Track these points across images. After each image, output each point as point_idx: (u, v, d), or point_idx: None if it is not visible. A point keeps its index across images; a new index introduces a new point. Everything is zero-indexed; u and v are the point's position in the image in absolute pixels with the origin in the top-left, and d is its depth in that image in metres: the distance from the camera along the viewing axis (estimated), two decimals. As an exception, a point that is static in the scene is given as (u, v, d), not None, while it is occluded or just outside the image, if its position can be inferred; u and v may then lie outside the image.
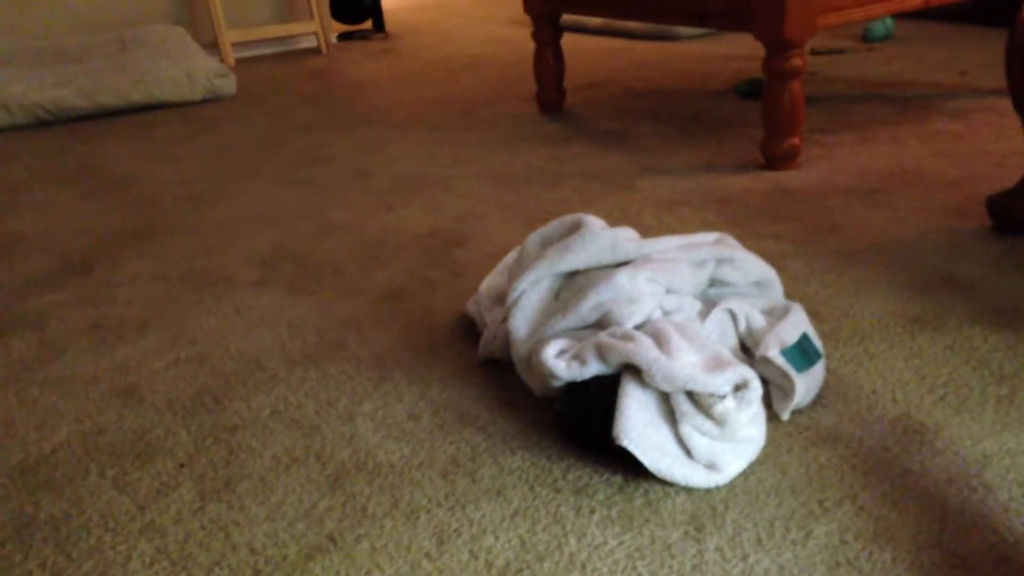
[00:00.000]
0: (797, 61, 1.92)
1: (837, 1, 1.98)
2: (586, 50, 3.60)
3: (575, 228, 1.22)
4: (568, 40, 3.74)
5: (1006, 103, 1.57)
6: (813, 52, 3.13)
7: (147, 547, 0.94)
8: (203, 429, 1.15)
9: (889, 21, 3.24)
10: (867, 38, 3.24)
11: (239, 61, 3.88)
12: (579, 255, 1.18)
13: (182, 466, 1.08)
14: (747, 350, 1.17)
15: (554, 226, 1.25)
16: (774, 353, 1.10)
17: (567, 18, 3.70)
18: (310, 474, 1.04)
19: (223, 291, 1.58)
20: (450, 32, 4.39)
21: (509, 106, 2.81)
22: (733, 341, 1.18)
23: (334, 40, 4.20)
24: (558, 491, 0.98)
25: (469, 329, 1.36)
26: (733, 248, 1.24)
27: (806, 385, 1.09)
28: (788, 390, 1.09)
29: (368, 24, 4.45)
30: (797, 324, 1.16)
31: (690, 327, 1.11)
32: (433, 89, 3.15)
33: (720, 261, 1.22)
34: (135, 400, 1.24)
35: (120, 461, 1.10)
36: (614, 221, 1.75)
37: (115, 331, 1.45)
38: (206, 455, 1.10)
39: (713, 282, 1.23)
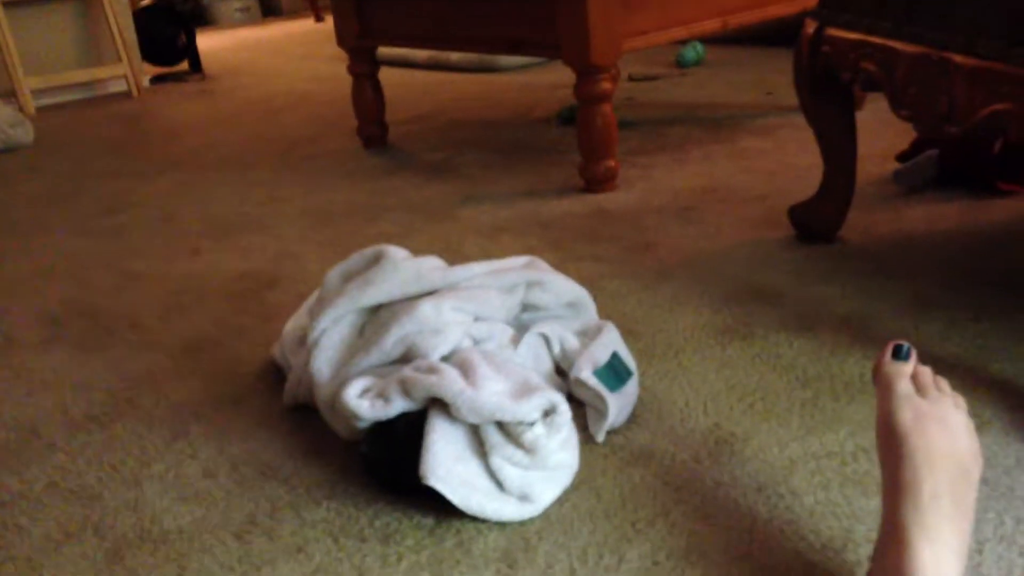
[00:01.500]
0: (606, 85, 1.95)
1: (640, 25, 2.02)
2: (411, 84, 3.57)
3: (376, 260, 1.16)
4: (393, 74, 3.70)
5: (804, 119, 1.63)
6: (631, 79, 3.22)
7: None
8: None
9: (699, 47, 3.37)
10: (680, 64, 3.36)
11: (40, 109, 3.63)
12: (381, 288, 1.12)
13: None
14: (562, 373, 1.15)
15: (355, 259, 1.18)
16: (587, 374, 1.08)
17: (393, 52, 3.67)
18: (85, 550, 0.93)
19: (0, 353, 1.43)
20: (270, 71, 4.27)
21: (331, 143, 2.74)
22: (548, 365, 1.15)
23: (147, 83, 4.01)
24: (364, 540, 0.91)
25: (276, 375, 1.27)
26: (543, 271, 1.22)
27: (619, 404, 1.07)
28: (603, 410, 1.06)
29: (184, 65, 4.28)
30: (608, 343, 1.14)
31: (499, 355, 1.07)
32: (252, 129, 3.03)
33: (530, 284, 1.19)
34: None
35: None
36: (435, 251, 1.71)
37: None
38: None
39: (525, 307, 1.20)
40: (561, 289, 1.21)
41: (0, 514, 1.00)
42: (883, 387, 0.78)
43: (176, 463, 1.08)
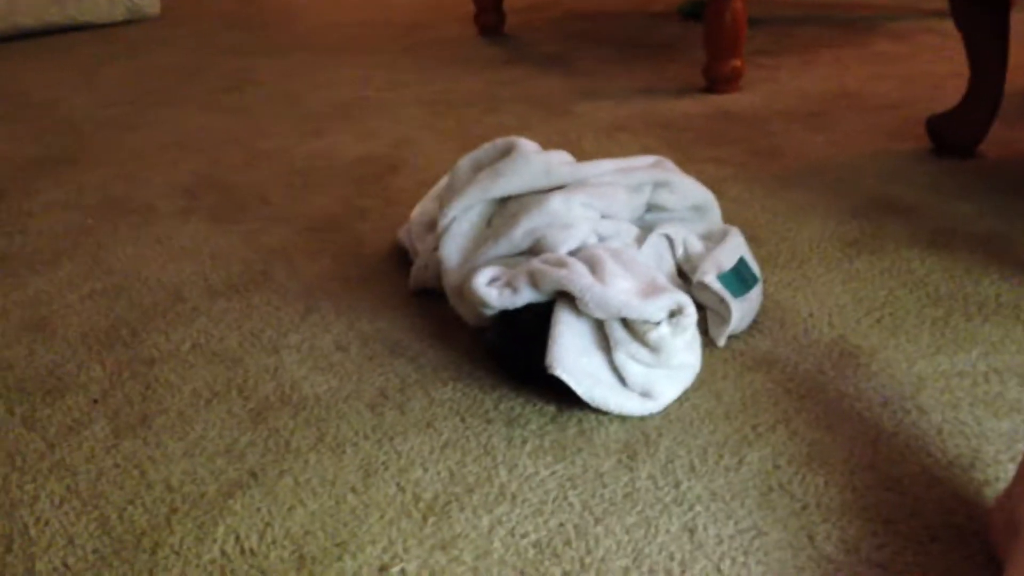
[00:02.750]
0: (740, -21, 1.87)
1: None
2: (528, -29, 3.49)
3: (507, 152, 1.17)
4: (509, -39, 3.62)
5: (948, 24, 1.54)
6: (758, -26, 3.07)
7: (56, 486, 0.89)
8: (119, 363, 1.10)
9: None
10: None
11: (164, -19, 3.69)
12: (511, 180, 1.13)
13: (95, 402, 1.03)
14: (684, 276, 1.15)
15: (486, 150, 1.19)
16: (711, 278, 1.08)
17: (508, -63, 3.57)
18: (231, 408, 1.00)
19: (143, 221, 1.51)
20: (388, -48, 4.22)
21: (447, 29, 2.72)
22: (670, 267, 1.15)
23: (265, -41, 4.01)
24: (489, 422, 0.95)
25: (401, 258, 1.31)
26: (670, 172, 1.21)
27: (742, 310, 1.07)
28: (725, 315, 1.07)
29: (301, -57, 4.25)
30: (734, 248, 1.13)
31: (625, 253, 1.07)
32: (369, 12, 3.03)
33: (657, 185, 1.18)
34: (47, 334, 1.17)
35: (30, 397, 1.04)
36: (553, 146, 1.70)
37: (26, 262, 1.38)
38: (121, 390, 1.04)
39: (650, 207, 1.20)
40: (688, 191, 1.20)
41: (152, 370, 1.08)
42: None
43: (311, 335, 1.13)
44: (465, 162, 1.19)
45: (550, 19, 2.76)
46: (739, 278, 1.09)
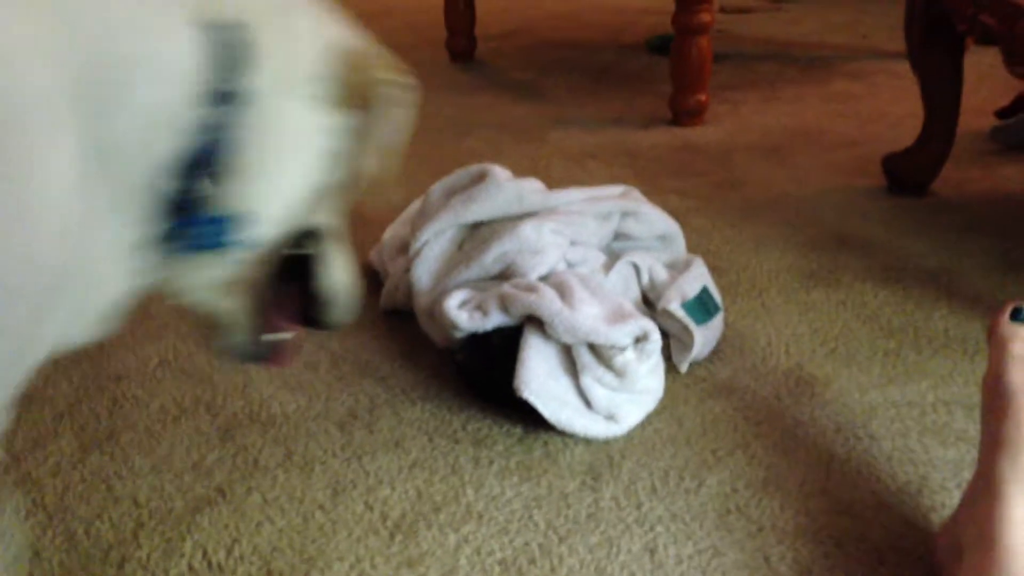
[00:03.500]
0: (706, 16, 1.93)
1: (747, -42, 1.98)
2: (499, -1, 3.54)
3: (480, 178, 1.20)
4: (481, -12, 3.67)
5: (905, 66, 1.60)
6: (722, 10, 3.15)
7: (22, 500, 0.90)
8: (85, 378, 1.10)
9: (797, -18, 3.28)
10: (775, -2, 3.28)
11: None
12: (484, 206, 1.16)
13: (62, 416, 1.03)
14: (649, 303, 1.18)
15: (459, 176, 1.22)
16: (675, 306, 1.11)
17: (480, -35, 3.63)
18: (199, 425, 1.01)
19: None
20: (360, -25, 4.26)
21: (419, 53, 2.75)
22: (636, 294, 1.18)
23: None
24: (457, 442, 0.97)
25: (372, 279, 1.32)
26: (638, 202, 1.24)
27: (704, 337, 1.10)
28: (687, 342, 1.10)
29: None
30: (698, 278, 1.17)
31: (593, 279, 1.10)
32: (341, 33, 3.05)
33: (625, 214, 1.22)
34: (13, 348, 1.17)
35: (-5, 412, 1.04)
36: (523, 172, 1.73)
37: (-8, 275, 1.37)
38: (88, 405, 1.05)
39: (618, 235, 1.23)
40: (654, 221, 1.24)
41: (119, 386, 1.08)
42: (997, 346, 0.79)
43: (280, 354, 1.14)
44: (438, 187, 1.22)
45: (521, 47, 2.81)
46: (702, 306, 1.13)
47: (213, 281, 0.66)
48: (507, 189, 1.16)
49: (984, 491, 0.72)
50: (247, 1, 0.61)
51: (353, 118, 0.67)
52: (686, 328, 1.10)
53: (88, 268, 0.56)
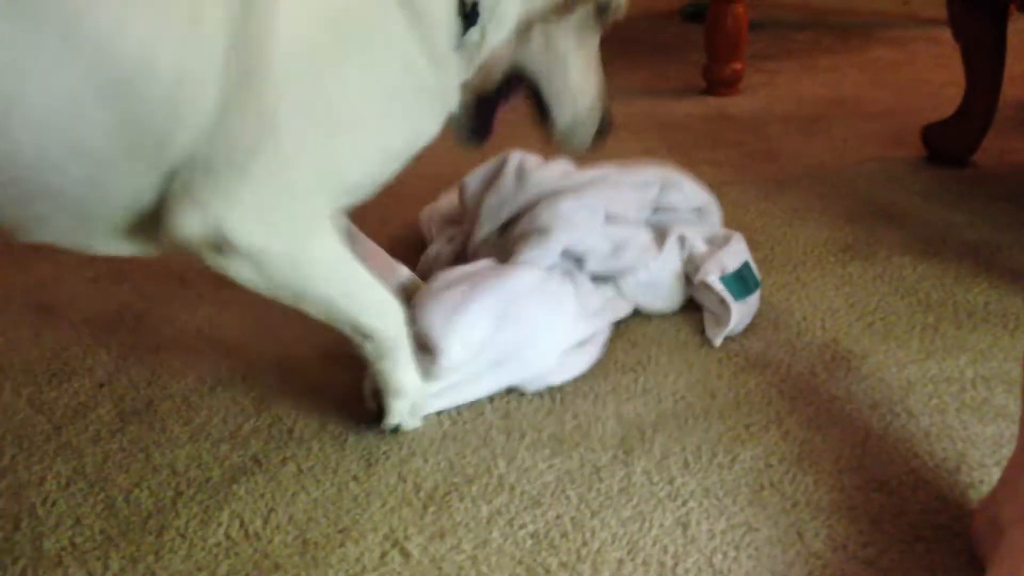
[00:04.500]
0: (742, -16, 1.89)
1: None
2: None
3: (515, 171, 1.20)
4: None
5: (946, 33, 1.56)
6: (759, -24, 3.10)
7: (63, 467, 0.91)
8: (124, 348, 1.11)
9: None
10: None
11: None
12: (517, 200, 1.16)
13: (101, 386, 1.04)
14: (686, 275, 1.17)
15: (489, 167, 1.23)
16: (713, 279, 1.10)
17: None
18: (235, 396, 1.02)
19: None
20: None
21: (449, 22, 2.73)
22: (677, 267, 1.17)
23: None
24: (488, 415, 0.97)
25: (417, 241, 1.32)
26: (677, 173, 1.23)
27: (740, 313, 1.09)
28: (723, 317, 1.09)
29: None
30: (738, 252, 1.15)
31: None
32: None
33: (665, 185, 1.21)
34: (52, 318, 1.19)
35: (36, 379, 1.06)
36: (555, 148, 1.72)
37: (30, 246, 1.38)
38: (127, 375, 1.06)
39: (657, 208, 1.22)
40: (693, 193, 1.22)
41: (158, 356, 1.10)
42: None
43: (315, 323, 1.15)
44: (472, 181, 1.23)
45: (552, 16, 2.78)
46: (742, 281, 1.11)
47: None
48: (536, 179, 1.17)
49: (1025, 468, 0.71)
50: None
51: None
52: (723, 302, 1.09)
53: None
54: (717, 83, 2.00)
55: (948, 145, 1.57)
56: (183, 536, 0.82)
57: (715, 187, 1.30)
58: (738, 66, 1.98)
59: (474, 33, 0.88)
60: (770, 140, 1.73)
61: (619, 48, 2.42)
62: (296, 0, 0.77)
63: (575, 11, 0.96)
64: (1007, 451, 0.86)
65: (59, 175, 0.74)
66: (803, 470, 0.87)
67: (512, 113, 1.04)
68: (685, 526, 0.81)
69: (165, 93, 0.72)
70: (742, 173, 1.58)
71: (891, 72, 2.11)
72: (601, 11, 0.99)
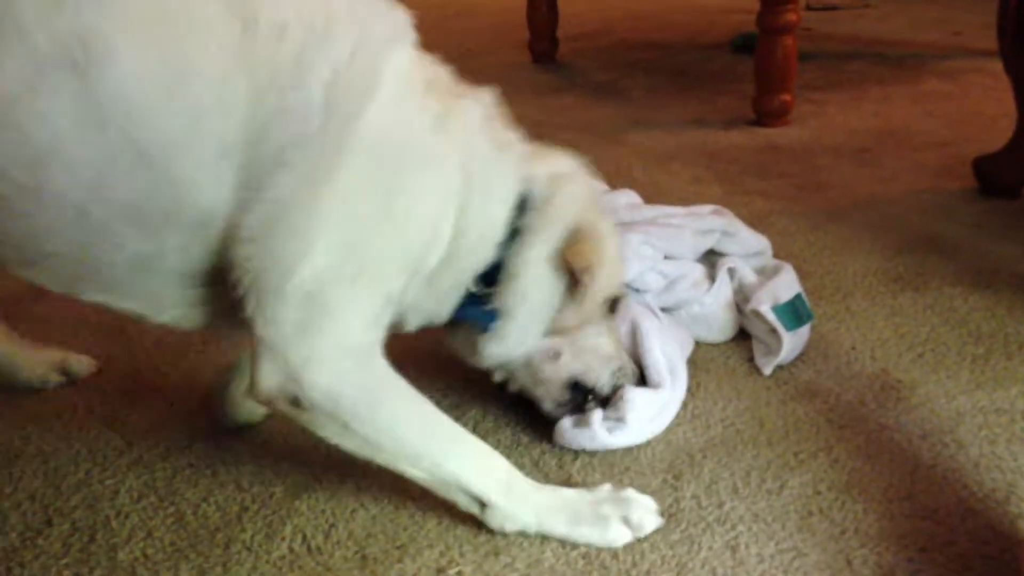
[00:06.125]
0: (791, 16, 1.91)
1: (835, -43, 1.96)
2: (580, -1, 3.56)
3: None
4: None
5: (998, 65, 1.57)
6: (808, 8, 3.11)
7: (135, 482, 0.96)
8: (192, 370, 1.16)
9: (886, -22, 3.22)
10: (863, -5, 3.22)
11: None
12: None
13: (171, 404, 1.09)
14: (737, 305, 1.18)
15: None
16: (765, 308, 1.11)
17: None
18: (297, 416, 1.06)
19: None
20: (443, -23, 4.33)
21: (501, 55, 2.79)
22: (729, 297, 1.19)
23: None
24: (541, 438, 1.00)
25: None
26: (735, 221, 1.25)
27: (792, 344, 1.10)
28: (773, 346, 1.10)
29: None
30: (791, 284, 1.16)
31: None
32: (424, 35, 3.10)
33: (725, 233, 1.22)
34: (124, 339, 1.24)
35: (109, 399, 1.11)
36: (605, 175, 1.75)
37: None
38: (195, 395, 1.11)
39: (712, 252, 1.23)
40: (749, 241, 1.24)
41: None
42: None
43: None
44: None
45: (602, 48, 2.82)
46: (794, 312, 1.12)
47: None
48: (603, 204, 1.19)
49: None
50: (549, 171, 0.95)
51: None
52: (774, 331, 1.10)
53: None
54: (766, 114, 2.02)
55: (1000, 177, 1.57)
56: (249, 549, 0.86)
57: (764, 217, 1.32)
58: (787, 97, 2.00)
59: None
60: (819, 171, 1.74)
61: (669, 79, 2.46)
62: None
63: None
64: (1058, 483, 0.87)
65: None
66: (852, 498, 0.88)
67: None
68: (734, 549, 0.83)
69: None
70: (791, 204, 1.59)
71: (942, 103, 2.11)
72: (614, 304, 1.01)
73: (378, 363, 0.84)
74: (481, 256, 0.91)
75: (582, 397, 0.98)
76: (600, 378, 0.98)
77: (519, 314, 0.93)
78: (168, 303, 0.86)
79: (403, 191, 0.83)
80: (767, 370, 1.09)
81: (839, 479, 0.91)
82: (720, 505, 0.88)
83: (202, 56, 0.75)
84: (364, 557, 0.84)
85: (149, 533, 0.89)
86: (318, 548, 0.85)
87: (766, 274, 1.19)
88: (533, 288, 0.92)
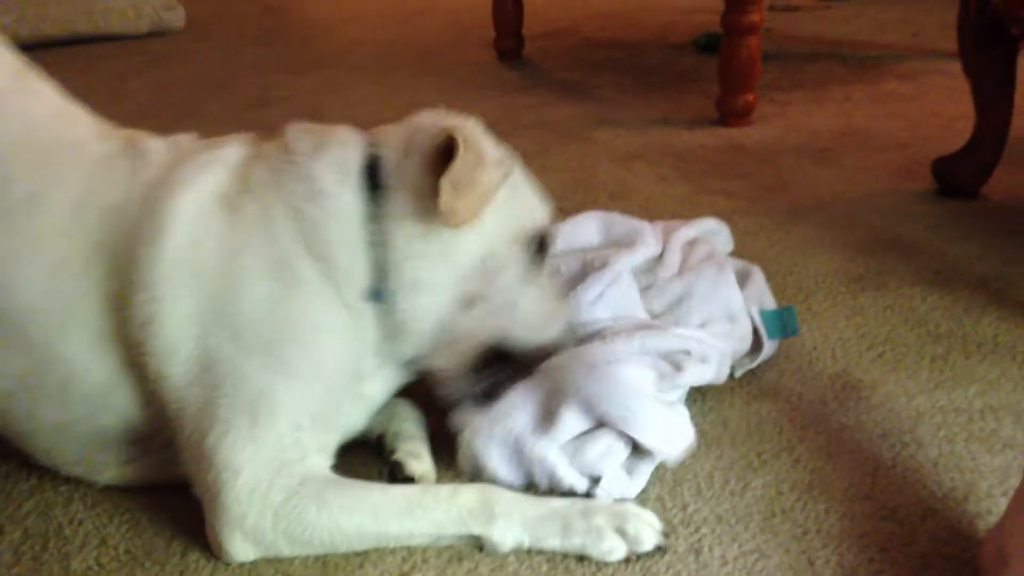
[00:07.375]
0: (755, 16, 1.92)
1: (797, -42, 1.97)
2: (546, -3, 3.56)
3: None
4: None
5: (957, 66, 1.59)
6: (771, 8, 3.13)
7: (89, 488, 0.94)
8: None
9: (847, -21, 3.25)
10: (825, -5, 3.25)
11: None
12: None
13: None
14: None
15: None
16: (754, 310, 1.08)
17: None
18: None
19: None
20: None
21: (467, 52, 2.78)
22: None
23: (289, -23, 4.09)
24: (505, 440, 0.99)
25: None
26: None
27: (767, 352, 1.09)
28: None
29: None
30: (766, 291, 1.14)
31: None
32: (391, 31, 3.09)
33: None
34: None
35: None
36: (570, 171, 1.75)
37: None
38: (151, 398, 1.08)
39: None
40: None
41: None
42: None
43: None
44: None
45: (568, 46, 2.82)
46: (781, 323, 1.10)
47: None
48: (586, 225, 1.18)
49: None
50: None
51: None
52: (755, 332, 1.07)
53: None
54: (730, 114, 2.03)
55: (959, 178, 1.59)
56: (206, 558, 0.84)
57: (728, 216, 1.32)
58: (751, 97, 2.01)
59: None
60: (782, 171, 1.75)
61: (635, 78, 2.46)
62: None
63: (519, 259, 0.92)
64: (1015, 481, 0.88)
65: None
66: (814, 498, 0.89)
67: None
68: (698, 552, 0.83)
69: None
70: (754, 203, 1.60)
71: (903, 104, 2.13)
72: (541, 247, 0.94)
73: (288, 492, 0.81)
74: (359, 270, 0.88)
75: (499, 367, 0.91)
76: (521, 340, 0.91)
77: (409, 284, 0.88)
78: (100, 465, 0.91)
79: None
80: (738, 373, 1.08)
81: (801, 479, 0.91)
82: (684, 507, 0.88)
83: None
84: (325, 564, 0.83)
85: (103, 540, 0.87)
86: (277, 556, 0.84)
87: (737, 273, 1.16)
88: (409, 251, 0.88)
